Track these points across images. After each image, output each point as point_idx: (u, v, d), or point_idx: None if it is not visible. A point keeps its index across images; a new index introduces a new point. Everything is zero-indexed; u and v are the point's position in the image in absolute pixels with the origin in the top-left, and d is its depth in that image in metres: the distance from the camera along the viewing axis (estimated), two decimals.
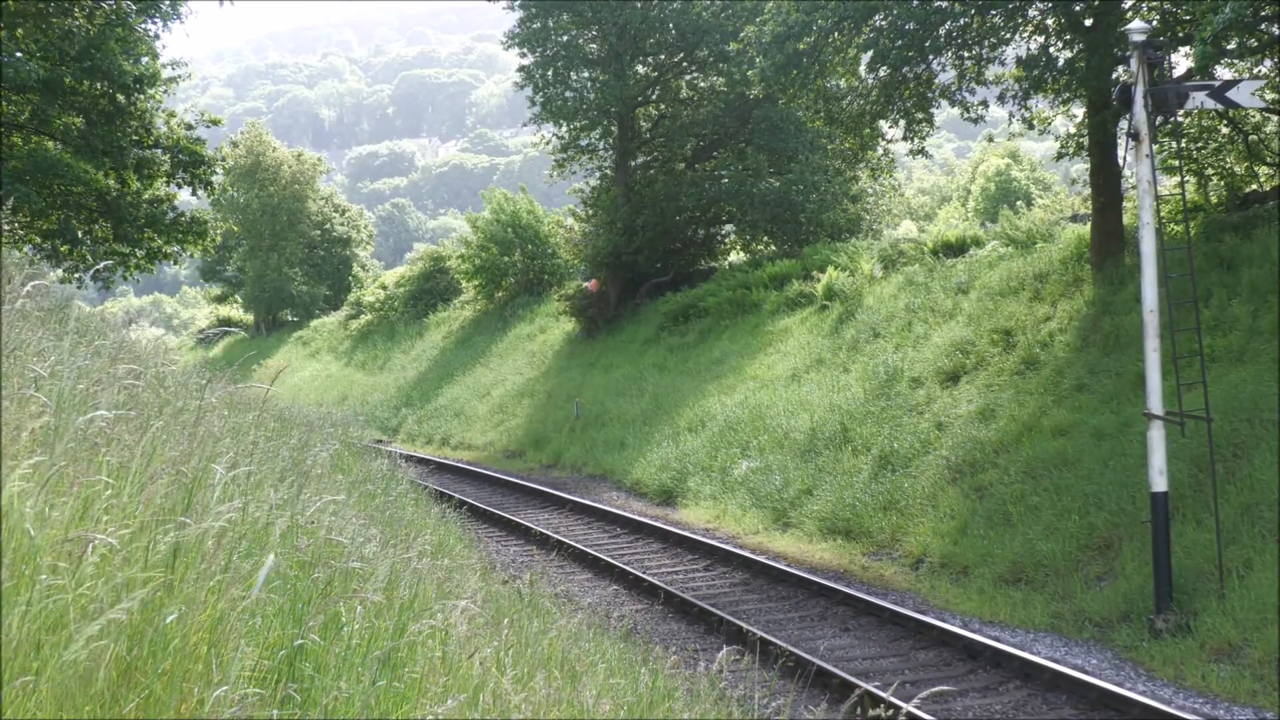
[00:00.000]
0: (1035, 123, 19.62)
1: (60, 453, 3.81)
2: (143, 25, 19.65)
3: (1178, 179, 15.36)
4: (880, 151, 31.02)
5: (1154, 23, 15.10)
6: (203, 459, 4.72)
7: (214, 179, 21.88)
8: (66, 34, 17.77)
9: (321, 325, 54.75)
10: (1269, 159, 18.34)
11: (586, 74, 33.46)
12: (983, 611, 12.78)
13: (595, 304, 33.86)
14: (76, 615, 3.08)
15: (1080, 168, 36.88)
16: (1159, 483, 11.51)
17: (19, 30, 16.89)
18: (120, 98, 19.33)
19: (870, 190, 35.14)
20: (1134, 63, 11.86)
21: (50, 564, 3.20)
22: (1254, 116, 18.09)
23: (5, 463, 3.46)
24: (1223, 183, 18.75)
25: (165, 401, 5.95)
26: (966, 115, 20.19)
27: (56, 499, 3.53)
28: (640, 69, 33.52)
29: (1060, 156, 19.86)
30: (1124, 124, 14.15)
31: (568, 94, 33.35)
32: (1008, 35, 18.56)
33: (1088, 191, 20.25)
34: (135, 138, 20.04)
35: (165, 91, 20.95)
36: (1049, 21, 18.35)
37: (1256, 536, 11.55)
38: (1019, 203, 43.90)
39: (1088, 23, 17.30)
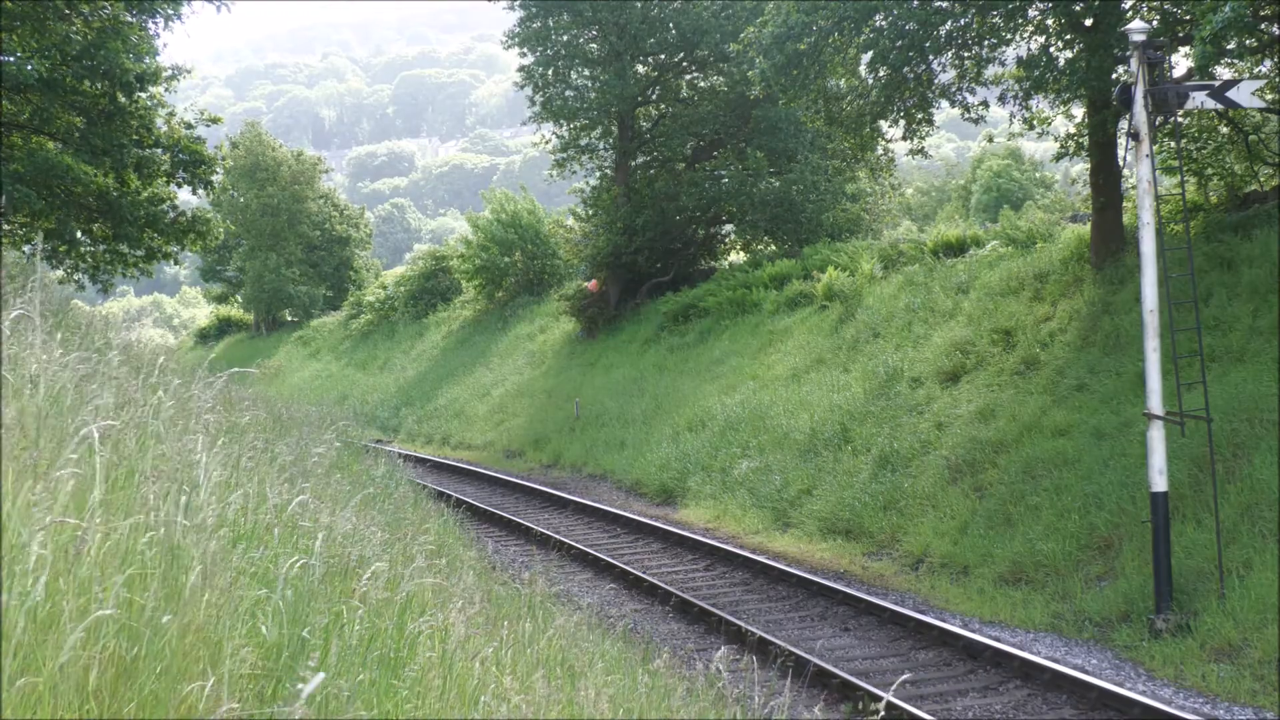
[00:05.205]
0: (1035, 123, 19.62)
1: (58, 452, 3.81)
2: (142, 25, 19.61)
3: (1178, 179, 15.36)
4: (880, 151, 31.05)
5: (1154, 23, 15.10)
6: (201, 459, 4.72)
7: (214, 178, 21.83)
8: (64, 39, 17.74)
9: (321, 325, 54.74)
10: (1269, 159, 18.33)
11: (587, 73, 33.46)
12: (983, 611, 12.78)
13: (595, 304, 33.85)
14: (73, 615, 3.08)
15: (1080, 168, 36.88)
16: (1159, 483, 11.50)
17: (15, 35, 16.87)
18: (121, 98, 19.31)
19: (870, 190, 35.14)
20: (1134, 63, 11.86)
21: (47, 563, 3.20)
22: (1254, 116, 18.08)
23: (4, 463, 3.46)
24: (1223, 183, 18.74)
25: (170, 402, 5.94)
26: (967, 115, 20.18)
27: (54, 499, 3.53)
28: (640, 69, 33.50)
29: (1060, 156, 19.85)
30: (1124, 124, 14.15)
31: (568, 93, 33.36)
32: (1008, 35, 18.54)
33: (1088, 191, 20.25)
34: (135, 137, 20.01)
35: (167, 89, 20.90)
36: (1049, 22, 18.33)
37: (1256, 536, 11.55)
38: (1025, 203, 43.90)
39: (1088, 23, 17.29)
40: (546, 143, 35.36)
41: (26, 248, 20.35)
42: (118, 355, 6.66)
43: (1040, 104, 19.69)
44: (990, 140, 23.72)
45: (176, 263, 25.09)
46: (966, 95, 19.90)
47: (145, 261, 21.95)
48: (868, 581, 14.47)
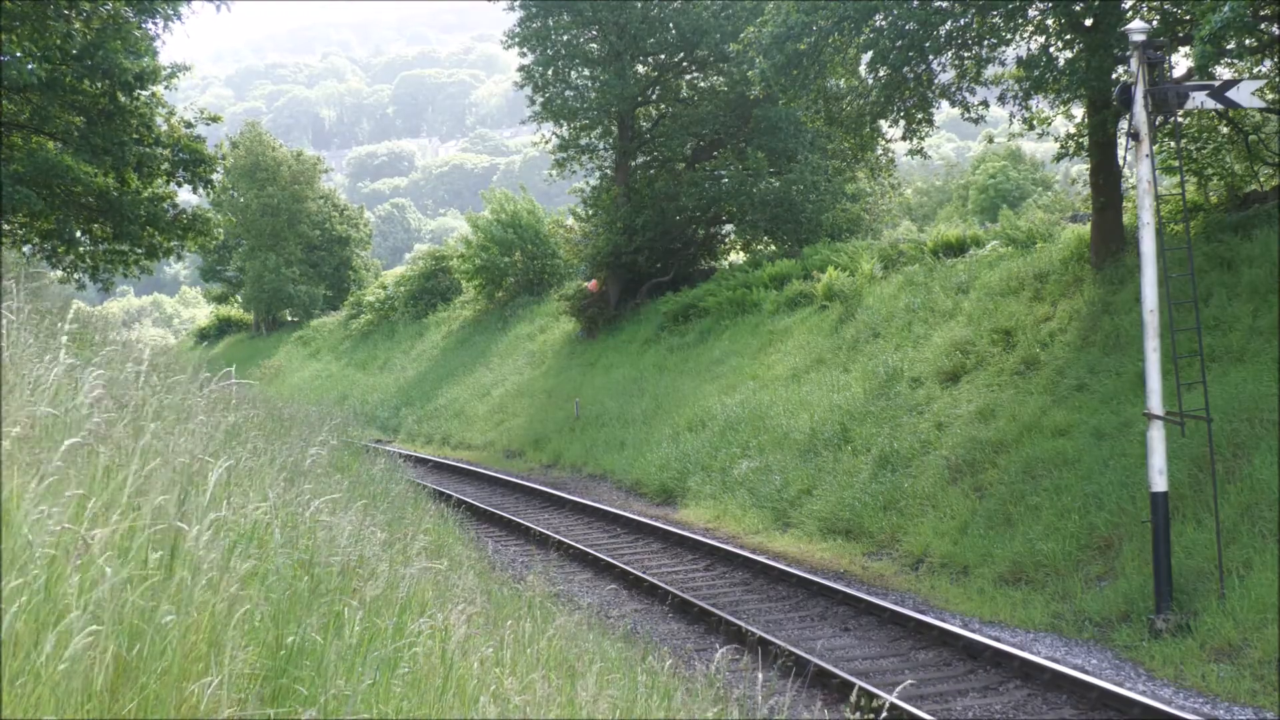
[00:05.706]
0: (1035, 123, 19.61)
1: (58, 454, 3.80)
2: (142, 25, 19.61)
3: (1178, 179, 15.35)
4: (880, 151, 31.05)
5: (1154, 23, 15.10)
6: (201, 458, 4.72)
7: (214, 177, 21.84)
8: (65, 37, 17.76)
9: (321, 325, 54.75)
10: (1269, 159, 18.33)
11: (587, 73, 33.46)
12: (983, 611, 12.78)
13: (595, 304, 33.85)
14: (75, 614, 3.08)
15: (1080, 168, 36.86)
16: (1159, 483, 11.50)
17: (14, 34, 16.88)
18: (121, 97, 19.31)
19: (870, 190, 35.15)
20: (1134, 63, 11.86)
21: (48, 564, 3.20)
22: (1254, 116, 18.08)
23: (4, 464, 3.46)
24: (1223, 183, 18.74)
25: (166, 401, 5.94)
26: (967, 115, 20.18)
27: (54, 500, 3.53)
28: (640, 68, 33.51)
29: (1060, 156, 19.85)
30: (1124, 124, 14.15)
31: (568, 93, 33.37)
32: (1008, 35, 18.54)
33: (1088, 192, 20.25)
34: (135, 135, 20.01)
35: (166, 87, 20.90)
36: (1049, 22, 18.33)
37: (1256, 536, 11.55)
38: (1025, 203, 43.87)
39: (1088, 23, 17.29)
40: (546, 143, 35.35)
41: (26, 248, 20.35)
42: (116, 354, 6.66)
43: (1040, 104, 19.68)
44: (990, 140, 23.72)
45: (178, 258, 25.10)
46: (966, 95, 19.89)
47: (146, 259, 21.95)
48: (868, 581, 14.47)
